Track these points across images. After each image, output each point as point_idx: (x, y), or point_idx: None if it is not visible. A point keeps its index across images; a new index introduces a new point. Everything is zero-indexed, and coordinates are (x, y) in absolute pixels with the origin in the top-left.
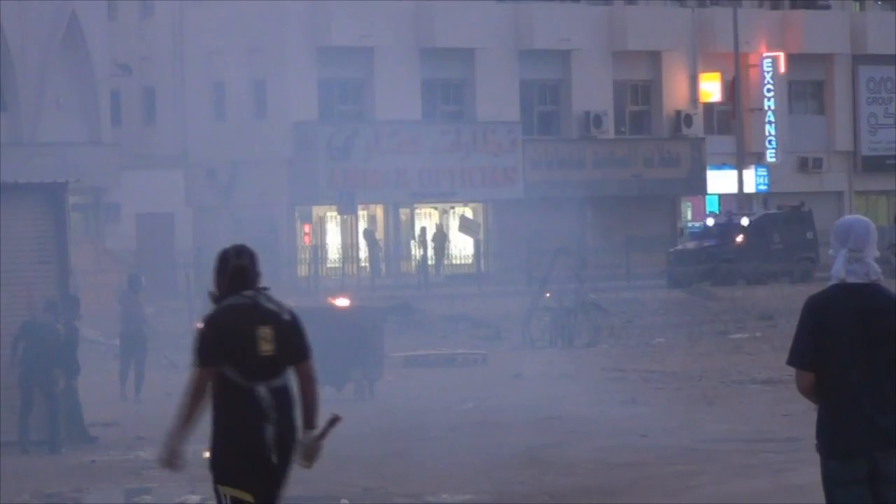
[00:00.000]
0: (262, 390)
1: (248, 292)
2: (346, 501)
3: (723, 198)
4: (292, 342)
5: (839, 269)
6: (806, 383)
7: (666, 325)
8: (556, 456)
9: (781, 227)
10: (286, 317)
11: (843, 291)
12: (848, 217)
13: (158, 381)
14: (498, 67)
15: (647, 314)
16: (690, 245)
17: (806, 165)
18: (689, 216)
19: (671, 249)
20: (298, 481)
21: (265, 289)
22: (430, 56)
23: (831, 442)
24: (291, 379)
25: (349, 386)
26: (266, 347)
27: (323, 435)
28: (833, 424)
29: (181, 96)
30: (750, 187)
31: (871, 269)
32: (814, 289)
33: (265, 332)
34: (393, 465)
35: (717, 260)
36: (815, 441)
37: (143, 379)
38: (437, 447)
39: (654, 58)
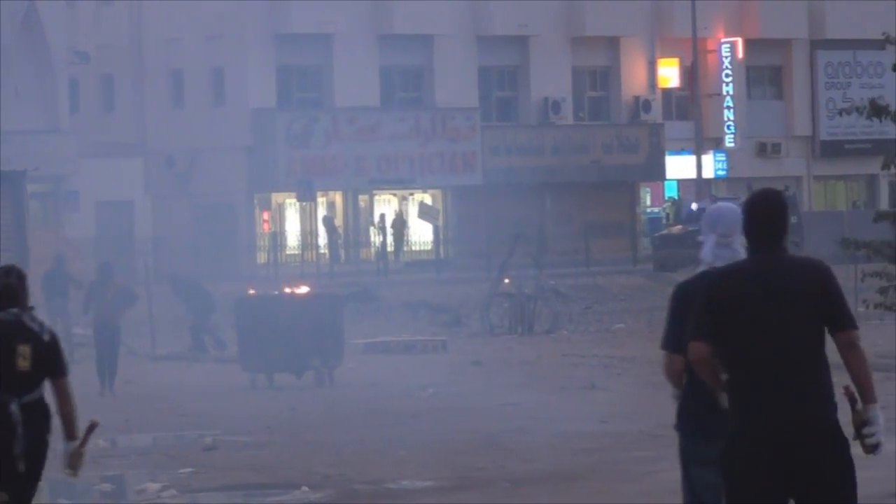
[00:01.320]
0: (13, 406)
1: (14, 310)
2: (307, 488)
3: (681, 183)
4: (50, 361)
5: (707, 253)
6: (678, 366)
7: (626, 311)
8: (516, 442)
9: None
10: (46, 337)
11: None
12: (720, 204)
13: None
14: (456, 54)
15: (607, 300)
16: (675, 229)
17: (765, 150)
18: (648, 202)
19: (657, 234)
20: (260, 469)
21: (31, 308)
22: (389, 42)
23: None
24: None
25: (309, 373)
26: (23, 364)
27: (83, 443)
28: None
29: (140, 84)
30: (709, 173)
31: (738, 255)
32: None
33: (24, 350)
34: (353, 452)
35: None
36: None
37: (116, 372)
38: (398, 434)
39: (613, 44)
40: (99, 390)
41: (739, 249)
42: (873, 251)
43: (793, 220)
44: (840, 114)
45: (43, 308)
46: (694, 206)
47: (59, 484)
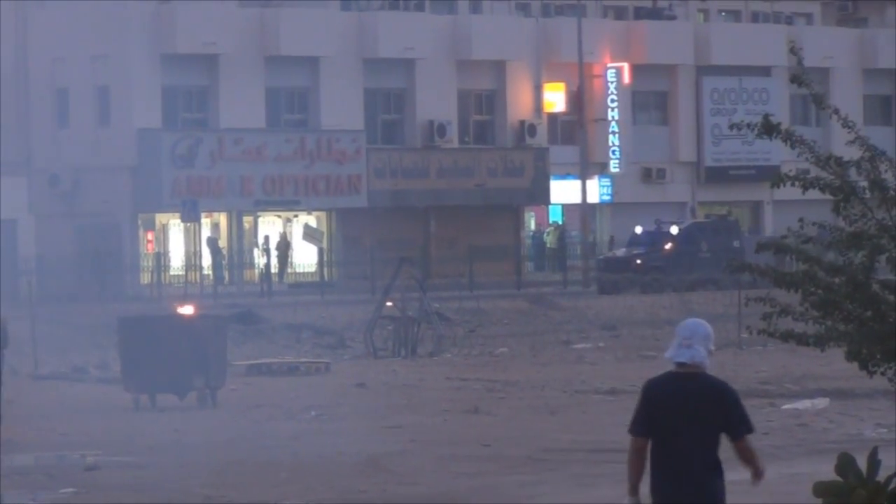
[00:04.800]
0: None
1: None
2: None
3: (566, 207)
4: None
5: (671, 352)
6: (634, 447)
7: (509, 335)
8: (398, 464)
9: (709, 235)
10: None
11: (672, 378)
12: (689, 320)
13: None
14: (342, 76)
15: (491, 324)
16: (620, 252)
17: (650, 176)
18: (532, 226)
19: (601, 256)
20: (141, 489)
21: None
22: (275, 64)
23: (659, 498)
24: None
25: (192, 394)
26: None
27: None
28: (666, 485)
29: (24, 102)
30: (594, 197)
31: (697, 355)
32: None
33: None
34: (235, 473)
35: (646, 267)
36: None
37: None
38: (280, 455)
39: (499, 67)
40: None
41: (698, 351)
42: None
43: (735, 244)
44: (731, 128)
45: None
46: (638, 229)
47: None
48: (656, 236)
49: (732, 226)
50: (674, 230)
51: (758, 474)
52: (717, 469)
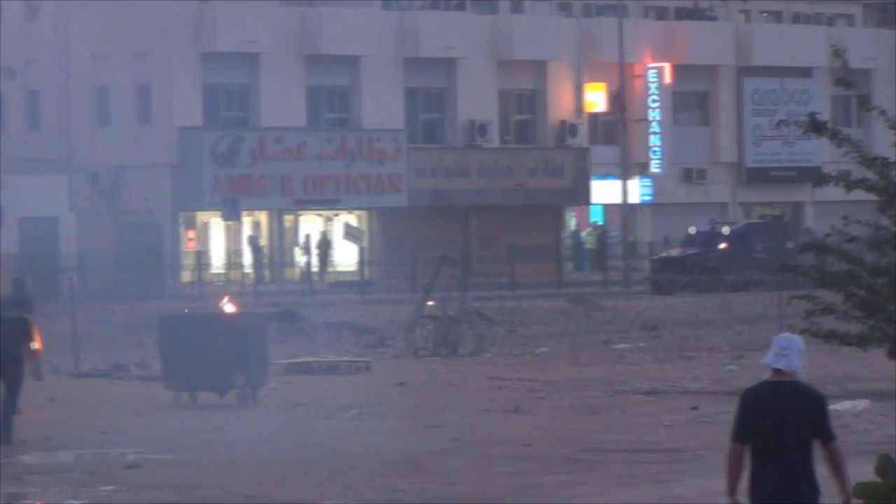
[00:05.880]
0: None
1: None
2: None
3: (607, 208)
4: None
5: (770, 359)
6: (733, 453)
7: (549, 335)
8: (438, 464)
9: (763, 236)
10: None
11: (769, 386)
12: (784, 334)
13: (40, 387)
14: (383, 75)
15: (531, 323)
16: (674, 252)
17: (690, 176)
18: (573, 226)
19: (655, 256)
20: (181, 488)
21: None
22: (316, 63)
23: (760, 498)
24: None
25: (232, 392)
26: None
27: None
28: (767, 484)
29: (65, 100)
30: (634, 198)
31: (792, 364)
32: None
33: None
34: (276, 472)
35: (701, 268)
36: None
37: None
38: (320, 454)
39: (540, 67)
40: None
41: (794, 360)
42: (799, 275)
43: (788, 245)
44: (778, 125)
45: None
46: (692, 229)
47: None
48: (710, 237)
49: (786, 227)
50: (727, 231)
51: (844, 490)
52: (811, 470)
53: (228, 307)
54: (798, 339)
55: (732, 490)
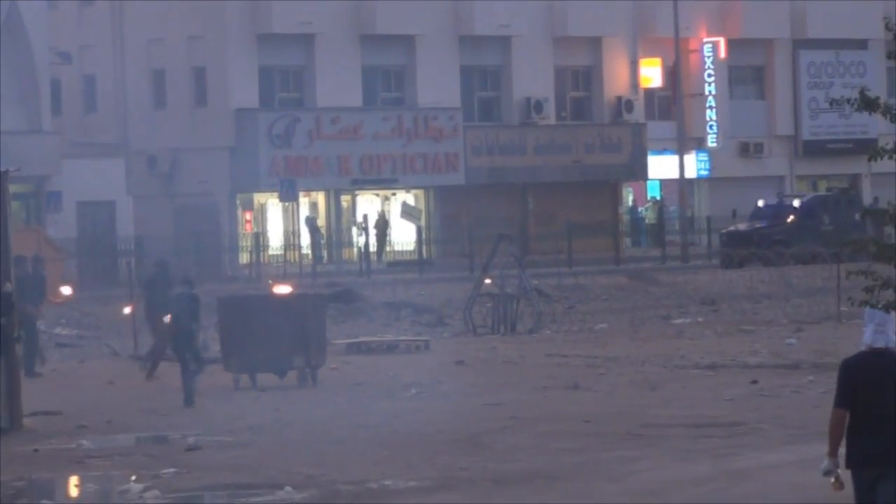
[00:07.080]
0: None
1: None
2: (290, 489)
3: (664, 183)
4: None
5: (868, 337)
6: (836, 418)
7: (608, 311)
8: (498, 441)
9: (831, 208)
10: None
11: (867, 356)
12: (876, 310)
13: (101, 370)
14: (438, 54)
15: (590, 300)
16: (742, 226)
17: (747, 150)
18: (630, 201)
19: (724, 231)
20: (242, 469)
21: None
22: (371, 43)
23: (858, 455)
24: None
25: (292, 373)
26: None
27: None
28: (866, 441)
29: (121, 84)
30: (691, 172)
31: (889, 340)
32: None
33: None
34: (336, 452)
35: (769, 241)
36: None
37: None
38: (380, 433)
39: (595, 44)
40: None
41: (891, 336)
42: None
43: (856, 217)
44: (831, 104)
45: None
46: (760, 202)
47: (42, 483)
48: (779, 209)
49: (854, 199)
50: (796, 203)
51: None
52: None
53: (282, 289)
54: (890, 315)
55: (834, 452)
